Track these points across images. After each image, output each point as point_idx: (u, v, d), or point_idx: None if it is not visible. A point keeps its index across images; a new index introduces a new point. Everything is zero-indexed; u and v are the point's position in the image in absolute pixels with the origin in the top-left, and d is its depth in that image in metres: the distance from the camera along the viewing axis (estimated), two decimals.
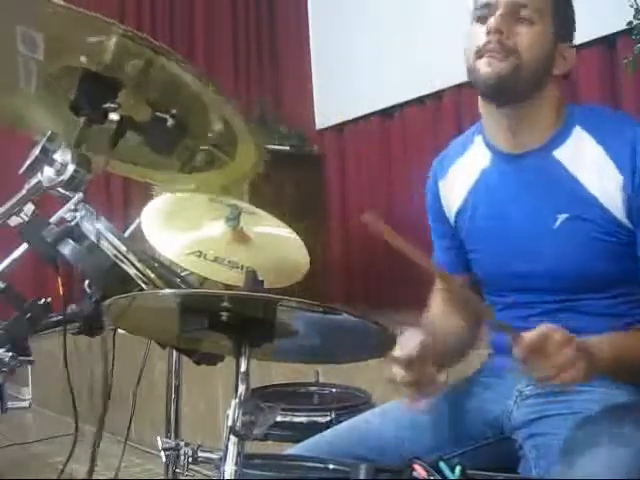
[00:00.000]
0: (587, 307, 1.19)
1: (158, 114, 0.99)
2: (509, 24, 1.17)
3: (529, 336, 1.01)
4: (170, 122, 0.98)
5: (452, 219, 1.35)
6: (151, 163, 1.12)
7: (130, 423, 1.76)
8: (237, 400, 0.86)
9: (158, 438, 1.27)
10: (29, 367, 1.04)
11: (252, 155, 1.02)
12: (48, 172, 0.92)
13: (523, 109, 1.21)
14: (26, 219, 1.00)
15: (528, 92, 1.20)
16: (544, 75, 1.20)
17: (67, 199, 1.03)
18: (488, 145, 1.29)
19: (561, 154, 1.19)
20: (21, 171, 0.94)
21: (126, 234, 1.36)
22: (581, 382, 1.02)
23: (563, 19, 1.22)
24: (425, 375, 1.11)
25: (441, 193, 1.37)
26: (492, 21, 1.17)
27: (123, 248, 1.03)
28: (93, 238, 1.00)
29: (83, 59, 0.92)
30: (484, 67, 1.17)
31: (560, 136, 1.20)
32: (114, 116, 0.97)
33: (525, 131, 1.22)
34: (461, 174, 1.33)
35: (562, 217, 1.17)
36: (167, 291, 0.98)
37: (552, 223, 1.18)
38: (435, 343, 1.14)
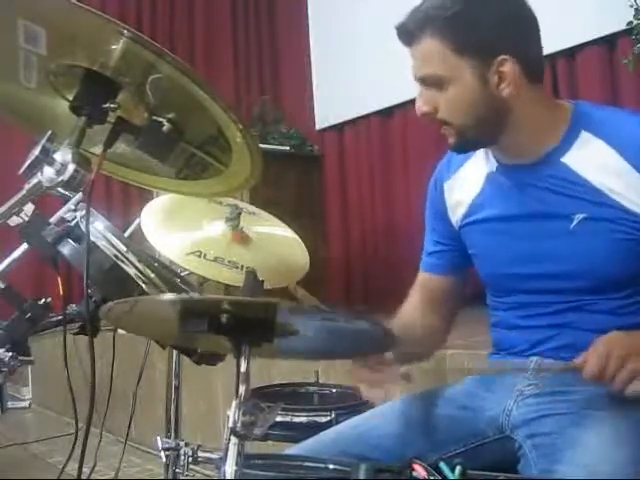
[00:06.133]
0: (599, 306, 1.18)
1: (155, 118, 0.98)
2: (431, 98, 1.18)
3: (591, 364, 1.02)
4: (166, 127, 0.98)
5: (457, 222, 1.35)
6: (147, 168, 1.12)
7: (130, 423, 1.77)
8: (237, 400, 0.86)
9: (158, 438, 1.26)
10: (29, 367, 1.04)
11: (248, 164, 1.01)
12: (48, 172, 0.92)
13: (507, 138, 1.20)
14: (26, 219, 1.00)
15: (493, 132, 1.20)
16: (494, 110, 1.17)
17: (67, 199, 1.03)
18: (494, 155, 1.28)
19: (569, 159, 1.18)
20: (21, 171, 0.94)
21: (126, 234, 1.36)
22: None
23: (477, 45, 1.14)
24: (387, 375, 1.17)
25: (446, 195, 1.37)
26: (417, 104, 1.20)
27: (123, 248, 1.03)
28: (93, 238, 1.00)
29: (88, 59, 0.92)
30: None
31: (566, 142, 1.19)
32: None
33: (523, 148, 1.21)
34: (468, 177, 1.32)
35: (579, 217, 1.16)
36: (166, 297, 0.98)
37: (568, 224, 1.17)
38: (401, 339, 1.16)
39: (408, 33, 1.18)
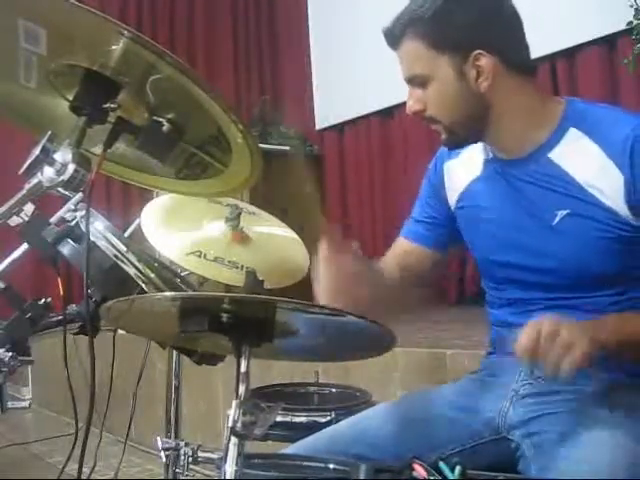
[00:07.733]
0: (587, 305, 1.18)
1: (155, 118, 0.98)
2: (419, 97, 1.21)
3: (522, 339, 1.01)
4: (166, 127, 0.98)
5: (453, 204, 1.37)
6: (147, 168, 1.12)
7: (130, 423, 1.77)
8: (237, 400, 0.86)
9: (158, 438, 1.27)
10: (29, 367, 1.04)
11: (248, 164, 1.02)
12: (48, 172, 0.92)
13: (492, 133, 1.22)
14: (26, 219, 1.00)
15: (479, 127, 1.21)
16: (475, 105, 1.19)
17: (67, 199, 1.03)
18: (489, 148, 1.29)
19: (556, 155, 1.19)
20: (21, 171, 0.94)
21: (126, 234, 1.36)
22: (583, 365, 0.99)
23: (453, 41, 1.17)
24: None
25: (445, 174, 1.39)
26: (407, 104, 1.22)
27: (123, 248, 1.03)
28: (93, 238, 1.00)
29: (88, 59, 0.92)
30: None
31: (554, 138, 1.20)
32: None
33: (510, 142, 1.23)
34: (467, 163, 1.35)
35: (561, 213, 1.18)
36: (166, 294, 0.98)
37: (551, 219, 1.19)
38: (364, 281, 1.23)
39: (393, 37, 1.22)
